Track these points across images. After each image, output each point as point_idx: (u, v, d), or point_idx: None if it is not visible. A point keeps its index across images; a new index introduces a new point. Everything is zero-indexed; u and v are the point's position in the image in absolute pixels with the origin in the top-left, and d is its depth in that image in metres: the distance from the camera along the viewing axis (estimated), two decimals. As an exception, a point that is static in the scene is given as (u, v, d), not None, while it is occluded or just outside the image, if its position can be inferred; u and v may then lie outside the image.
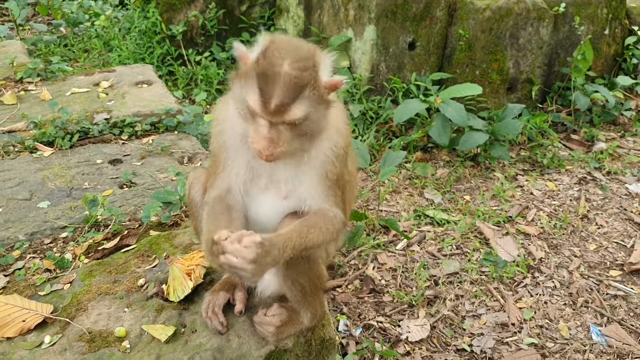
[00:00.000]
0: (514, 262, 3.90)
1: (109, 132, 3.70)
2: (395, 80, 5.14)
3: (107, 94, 4.21)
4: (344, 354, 3.26)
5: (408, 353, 3.34)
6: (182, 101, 5.62)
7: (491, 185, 4.70)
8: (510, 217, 4.33)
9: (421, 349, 3.38)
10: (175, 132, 3.79)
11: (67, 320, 2.22)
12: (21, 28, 7.64)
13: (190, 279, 2.29)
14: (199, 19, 6.24)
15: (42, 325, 2.23)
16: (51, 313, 2.26)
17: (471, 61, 5.13)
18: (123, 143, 3.62)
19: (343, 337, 3.42)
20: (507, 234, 4.16)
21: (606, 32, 5.53)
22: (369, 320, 3.55)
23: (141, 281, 2.37)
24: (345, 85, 1.82)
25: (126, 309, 2.24)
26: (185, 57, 6.24)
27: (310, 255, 2.00)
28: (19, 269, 2.56)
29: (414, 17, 5.04)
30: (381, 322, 3.54)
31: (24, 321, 2.22)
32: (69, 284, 2.44)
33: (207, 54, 6.24)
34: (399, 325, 3.51)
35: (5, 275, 2.53)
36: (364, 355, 3.31)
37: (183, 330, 2.14)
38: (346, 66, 5.34)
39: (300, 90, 1.69)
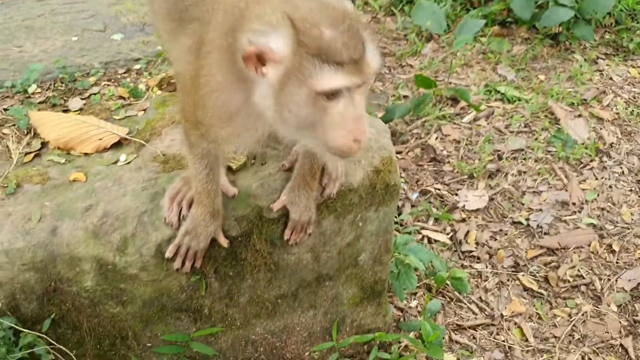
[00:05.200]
0: (582, 144, 3.78)
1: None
2: (480, -55, 4.79)
3: None
4: (399, 214, 3.30)
5: (463, 220, 3.37)
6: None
7: (569, 67, 4.46)
8: (585, 100, 4.14)
9: (477, 217, 3.39)
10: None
11: (142, 142, 2.28)
12: None
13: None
14: None
15: (118, 145, 2.31)
16: (127, 134, 2.33)
17: None
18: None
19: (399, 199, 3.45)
20: (579, 116, 4.00)
21: None
22: (427, 186, 3.56)
23: (213, 113, 2.39)
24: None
25: (198, 138, 2.28)
26: None
27: None
28: (95, 93, 2.62)
29: None
30: (439, 190, 3.55)
31: (100, 139, 2.30)
32: (143, 112, 2.49)
33: None
34: (457, 194, 3.52)
35: (82, 99, 2.59)
36: (418, 216, 3.35)
37: (253, 161, 2.18)
38: None
39: (362, 31, 1.48)
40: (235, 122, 1.67)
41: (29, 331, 1.99)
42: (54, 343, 2.05)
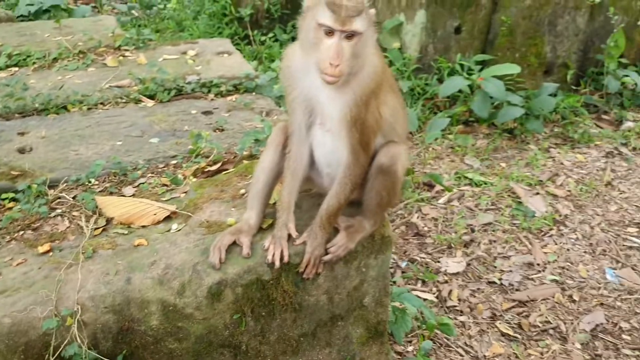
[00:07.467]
0: (542, 216, 4.47)
1: (199, 90, 4.39)
2: (442, 60, 5.72)
3: (194, 60, 4.91)
4: (392, 282, 3.89)
5: (446, 281, 3.96)
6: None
7: (526, 155, 5.26)
8: (541, 181, 4.89)
9: (457, 279, 3.99)
10: (253, 93, 4.46)
11: (189, 214, 2.89)
12: (97, 11, 8.49)
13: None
14: (264, 3, 6.93)
15: (168, 219, 2.91)
16: (175, 209, 2.94)
17: (512, 45, 5.69)
18: (212, 99, 4.31)
19: (390, 267, 4.05)
20: (537, 194, 4.72)
21: (639, 22, 6.00)
22: (413, 256, 4.17)
23: (242, 191, 3.02)
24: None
25: (233, 208, 2.90)
26: (251, 38, 6.93)
27: (395, 173, 2.64)
28: (143, 183, 3.25)
29: (461, 4, 5.62)
30: (424, 258, 4.16)
31: (155, 214, 2.91)
32: (185, 194, 3.12)
33: (270, 35, 6.92)
34: (439, 261, 4.13)
35: (133, 187, 3.22)
36: (409, 280, 3.94)
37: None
38: (397, 47, 5.94)
39: (360, 8, 2.28)
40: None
41: (107, 364, 2.49)
42: (125, 376, 2.54)
